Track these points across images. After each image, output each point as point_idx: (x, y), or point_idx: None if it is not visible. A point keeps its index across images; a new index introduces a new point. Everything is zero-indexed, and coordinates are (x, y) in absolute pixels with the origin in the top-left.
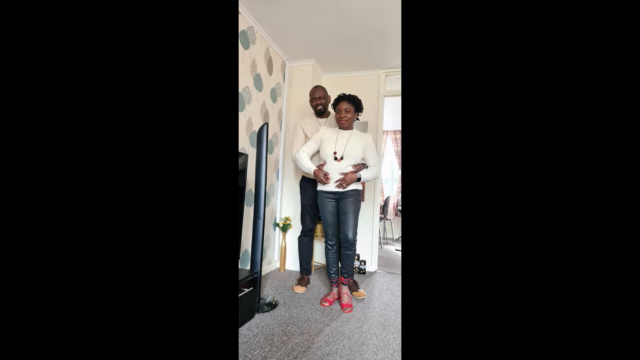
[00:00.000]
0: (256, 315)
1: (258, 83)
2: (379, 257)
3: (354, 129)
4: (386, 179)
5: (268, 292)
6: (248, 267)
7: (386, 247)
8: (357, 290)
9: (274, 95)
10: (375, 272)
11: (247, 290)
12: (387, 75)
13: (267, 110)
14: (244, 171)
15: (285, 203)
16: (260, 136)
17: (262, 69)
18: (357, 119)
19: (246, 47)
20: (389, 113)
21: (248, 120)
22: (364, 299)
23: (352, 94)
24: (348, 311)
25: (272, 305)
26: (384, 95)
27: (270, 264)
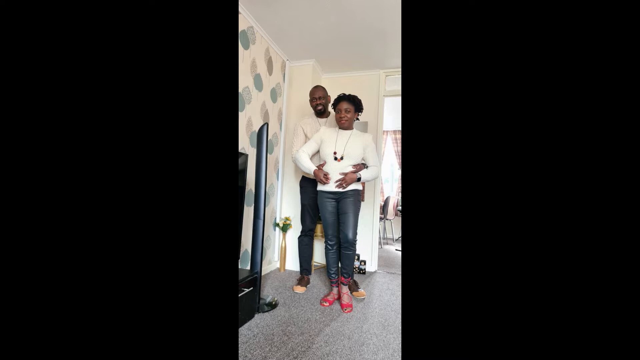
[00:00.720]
0: (256, 315)
1: (258, 83)
2: (379, 257)
3: (354, 129)
4: (386, 179)
5: (268, 292)
6: (248, 267)
7: (386, 247)
8: (357, 290)
9: (274, 95)
10: (375, 272)
11: (247, 290)
12: (387, 75)
13: (267, 110)
14: (244, 171)
15: (285, 203)
16: (260, 136)
17: (262, 69)
18: (357, 119)
19: (246, 47)
20: (389, 113)
21: (248, 120)
22: (364, 299)
23: (352, 94)
24: (348, 311)
25: (272, 305)
26: (384, 95)
27: (270, 264)
